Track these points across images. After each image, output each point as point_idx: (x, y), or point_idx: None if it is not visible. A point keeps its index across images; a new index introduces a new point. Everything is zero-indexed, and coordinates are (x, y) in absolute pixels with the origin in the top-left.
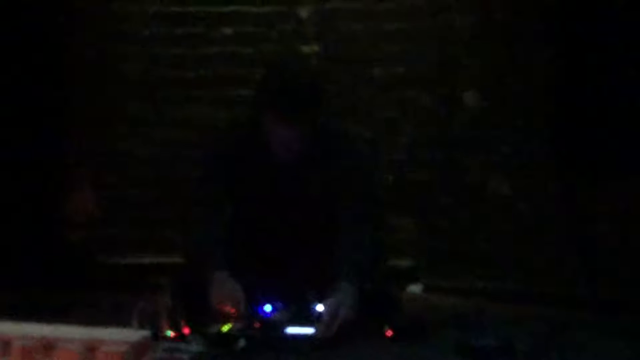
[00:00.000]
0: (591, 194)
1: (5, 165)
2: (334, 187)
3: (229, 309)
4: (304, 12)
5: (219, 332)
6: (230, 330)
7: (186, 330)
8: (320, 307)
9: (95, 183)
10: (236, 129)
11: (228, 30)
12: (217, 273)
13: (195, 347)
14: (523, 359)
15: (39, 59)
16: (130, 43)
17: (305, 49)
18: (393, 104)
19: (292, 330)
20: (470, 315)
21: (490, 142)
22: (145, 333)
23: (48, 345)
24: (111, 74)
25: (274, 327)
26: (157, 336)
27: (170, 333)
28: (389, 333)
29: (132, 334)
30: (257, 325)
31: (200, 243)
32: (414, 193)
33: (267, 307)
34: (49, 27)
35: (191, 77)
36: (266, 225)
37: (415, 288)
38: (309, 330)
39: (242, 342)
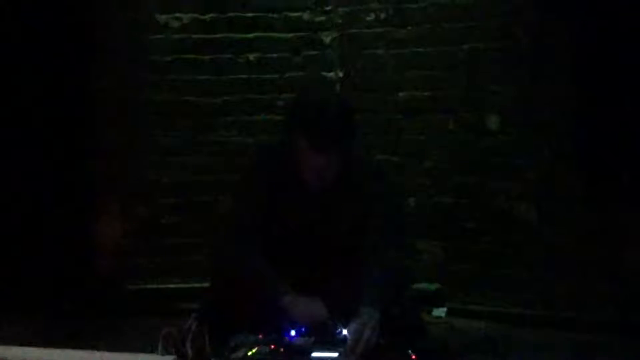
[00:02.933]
0: (617, 219)
1: (33, 194)
2: (360, 213)
3: (317, 318)
4: (327, 38)
5: (245, 357)
6: (255, 355)
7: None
8: (344, 332)
9: (123, 211)
10: (264, 154)
11: (252, 57)
12: (286, 297)
13: None
14: None
15: (64, 90)
16: (155, 71)
17: (329, 74)
18: (418, 128)
19: (316, 354)
20: (495, 340)
21: (515, 167)
22: (170, 358)
23: None
24: (137, 102)
25: (298, 351)
26: None
27: (195, 358)
28: (414, 357)
29: (158, 359)
30: (281, 350)
31: (257, 267)
32: (439, 217)
33: (292, 332)
34: (73, 56)
35: (216, 103)
36: (292, 250)
37: (439, 312)
38: (333, 355)
39: None
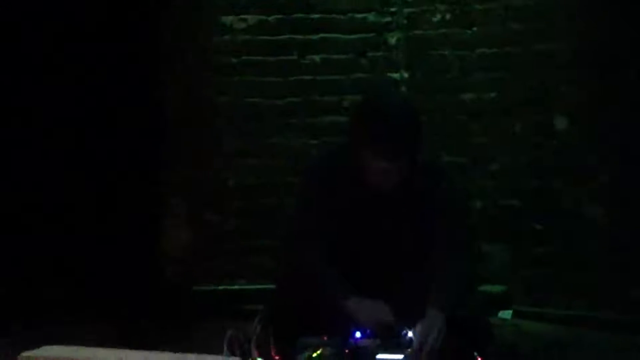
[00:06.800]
0: None
1: (101, 200)
2: (425, 217)
3: (382, 320)
4: (392, 39)
5: (309, 359)
6: (320, 356)
7: (276, 357)
8: (410, 334)
9: (189, 214)
10: (328, 158)
11: (318, 58)
12: (351, 300)
13: None
14: None
15: (127, 95)
16: (220, 72)
17: (395, 75)
18: (484, 130)
19: (381, 356)
20: (564, 344)
21: (583, 169)
22: None
23: None
24: (202, 105)
25: (363, 353)
26: None
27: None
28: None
29: None
30: (347, 351)
31: (320, 271)
32: (506, 219)
33: (357, 334)
34: (137, 59)
35: (281, 105)
36: (356, 254)
37: (505, 314)
38: (398, 357)
39: None
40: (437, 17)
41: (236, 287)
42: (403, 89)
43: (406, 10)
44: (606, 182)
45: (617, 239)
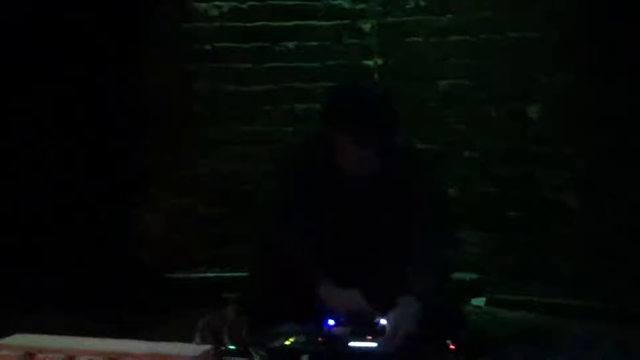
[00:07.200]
0: None
1: (74, 184)
2: (401, 205)
3: (354, 308)
4: (367, 26)
5: (282, 347)
6: (293, 344)
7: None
8: (383, 321)
9: (164, 202)
10: (303, 145)
11: (292, 45)
12: (323, 287)
13: None
14: None
15: (104, 83)
16: (194, 60)
17: (369, 63)
18: (460, 118)
19: (355, 344)
20: (538, 331)
21: (559, 157)
22: (207, 347)
23: None
24: (177, 92)
25: (337, 341)
26: (220, 350)
27: (233, 347)
28: (452, 347)
29: (195, 349)
30: (320, 339)
31: (295, 259)
32: (481, 207)
33: (330, 321)
34: (112, 47)
35: (256, 92)
36: (331, 242)
37: (478, 302)
38: (371, 345)
39: (305, 357)
40: (411, 4)
41: (213, 274)
42: (376, 76)
43: None
44: (583, 171)
45: (594, 227)
